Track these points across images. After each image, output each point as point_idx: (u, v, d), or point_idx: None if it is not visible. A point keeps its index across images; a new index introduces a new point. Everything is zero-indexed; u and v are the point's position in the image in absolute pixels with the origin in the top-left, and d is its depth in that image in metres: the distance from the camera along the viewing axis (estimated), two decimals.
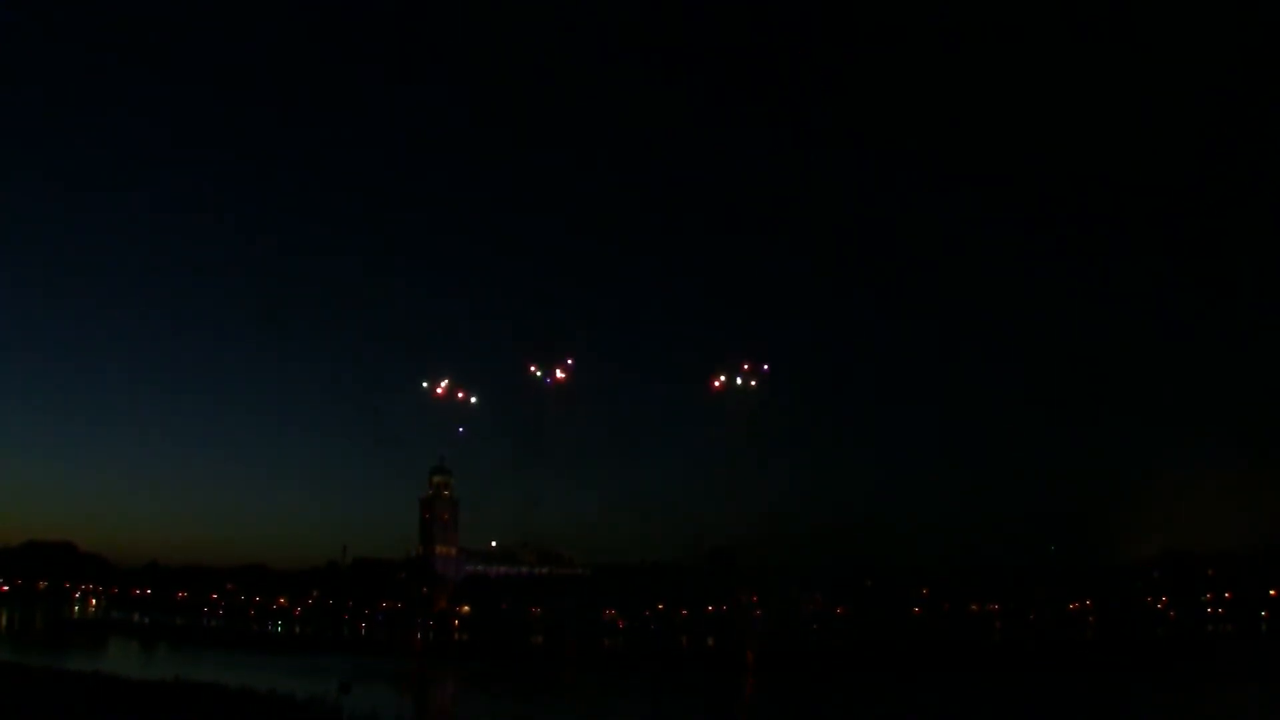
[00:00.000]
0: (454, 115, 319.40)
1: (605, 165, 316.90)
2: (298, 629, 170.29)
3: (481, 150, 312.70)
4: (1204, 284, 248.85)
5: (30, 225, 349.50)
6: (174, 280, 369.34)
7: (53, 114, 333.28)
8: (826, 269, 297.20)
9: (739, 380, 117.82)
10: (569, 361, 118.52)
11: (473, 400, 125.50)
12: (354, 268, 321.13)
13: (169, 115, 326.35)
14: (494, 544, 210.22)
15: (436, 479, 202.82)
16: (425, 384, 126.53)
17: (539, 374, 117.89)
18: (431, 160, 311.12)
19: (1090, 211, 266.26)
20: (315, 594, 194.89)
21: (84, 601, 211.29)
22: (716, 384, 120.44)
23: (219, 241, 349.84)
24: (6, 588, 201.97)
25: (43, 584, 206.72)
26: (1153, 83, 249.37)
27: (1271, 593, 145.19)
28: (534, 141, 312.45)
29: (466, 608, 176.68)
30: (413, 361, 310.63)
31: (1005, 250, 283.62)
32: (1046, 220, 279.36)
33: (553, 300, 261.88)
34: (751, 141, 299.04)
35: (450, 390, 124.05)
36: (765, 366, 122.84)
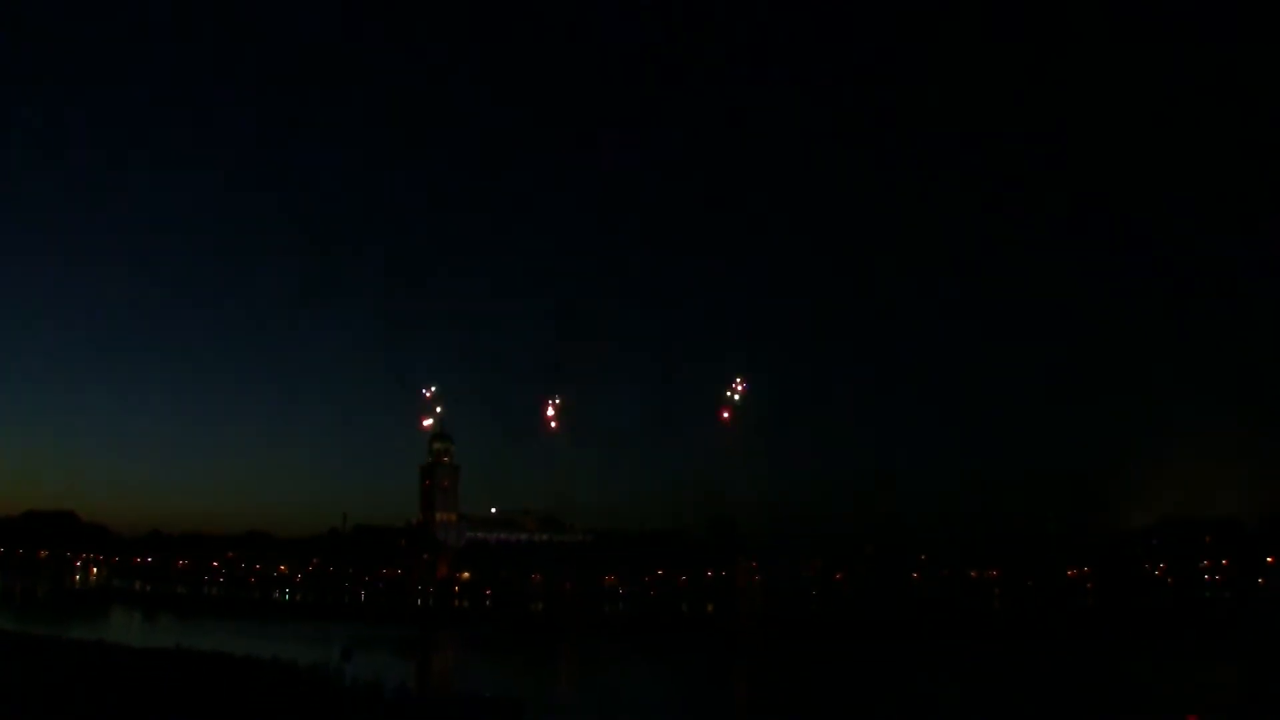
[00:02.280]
0: (482, 109, 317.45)
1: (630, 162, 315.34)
2: (299, 596, 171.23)
3: (510, 143, 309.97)
4: (1204, 253, 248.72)
5: (34, 195, 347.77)
6: (177, 253, 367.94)
7: (91, 93, 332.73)
8: (832, 239, 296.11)
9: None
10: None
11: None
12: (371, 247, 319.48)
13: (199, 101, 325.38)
14: (494, 510, 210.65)
15: (437, 446, 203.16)
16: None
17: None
18: (462, 153, 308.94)
19: (1090, 185, 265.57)
20: (316, 561, 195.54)
21: (85, 570, 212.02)
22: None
23: (216, 216, 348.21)
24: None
25: (44, 553, 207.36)
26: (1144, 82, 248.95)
27: (1269, 560, 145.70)
28: (565, 139, 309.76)
29: (467, 574, 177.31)
30: (416, 337, 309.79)
31: (1008, 221, 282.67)
32: (1048, 193, 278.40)
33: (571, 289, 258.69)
34: (762, 131, 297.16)
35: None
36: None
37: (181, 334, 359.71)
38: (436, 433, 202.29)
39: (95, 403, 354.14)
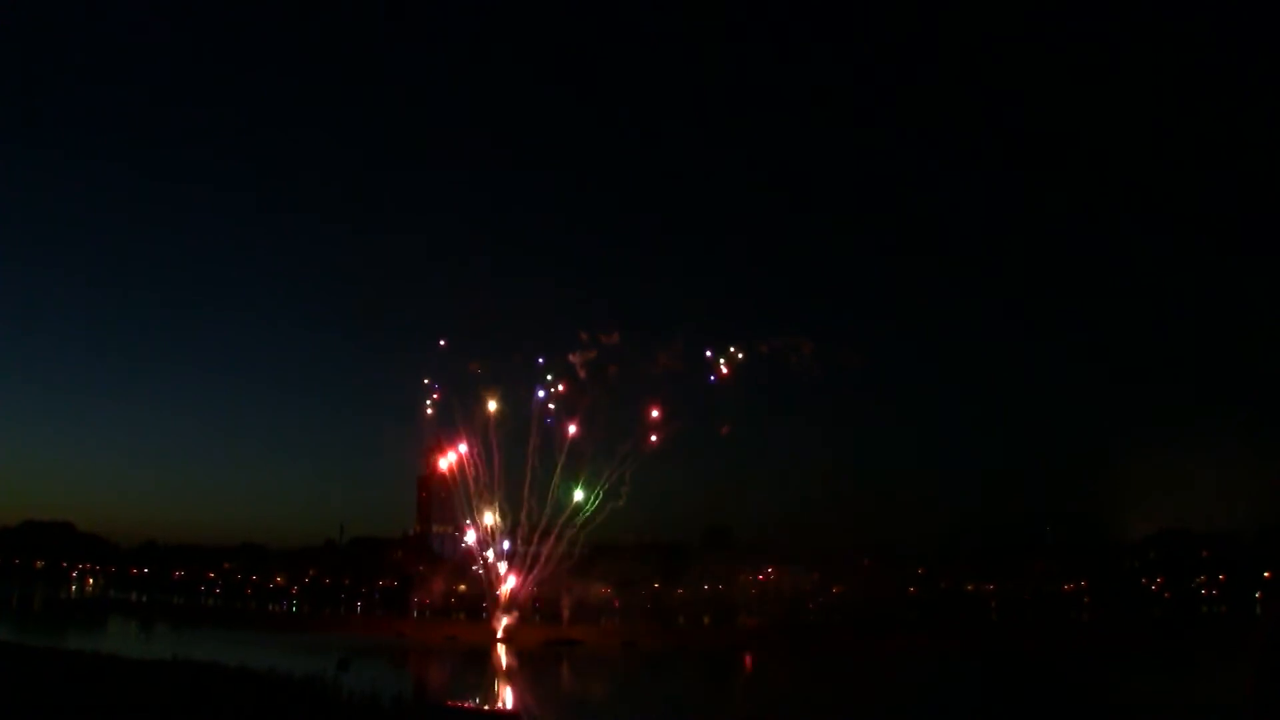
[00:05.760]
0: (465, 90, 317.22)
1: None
2: (294, 607, 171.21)
3: (515, 152, 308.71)
4: (1205, 263, 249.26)
5: (30, 201, 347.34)
6: (176, 263, 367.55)
7: (82, 92, 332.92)
8: (824, 252, 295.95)
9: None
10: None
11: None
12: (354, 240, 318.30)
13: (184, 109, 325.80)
14: (490, 522, 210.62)
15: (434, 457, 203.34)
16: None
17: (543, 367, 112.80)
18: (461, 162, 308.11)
19: (1096, 188, 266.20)
20: (313, 572, 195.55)
21: (82, 581, 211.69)
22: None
23: (214, 220, 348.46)
24: None
25: (40, 563, 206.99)
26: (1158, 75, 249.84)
27: (1265, 574, 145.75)
28: (579, 136, 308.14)
29: (464, 585, 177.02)
30: (416, 341, 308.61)
31: (1009, 225, 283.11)
32: (1052, 199, 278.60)
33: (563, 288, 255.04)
34: (774, 120, 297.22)
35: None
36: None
37: (180, 344, 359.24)
38: (434, 444, 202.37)
39: (93, 412, 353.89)
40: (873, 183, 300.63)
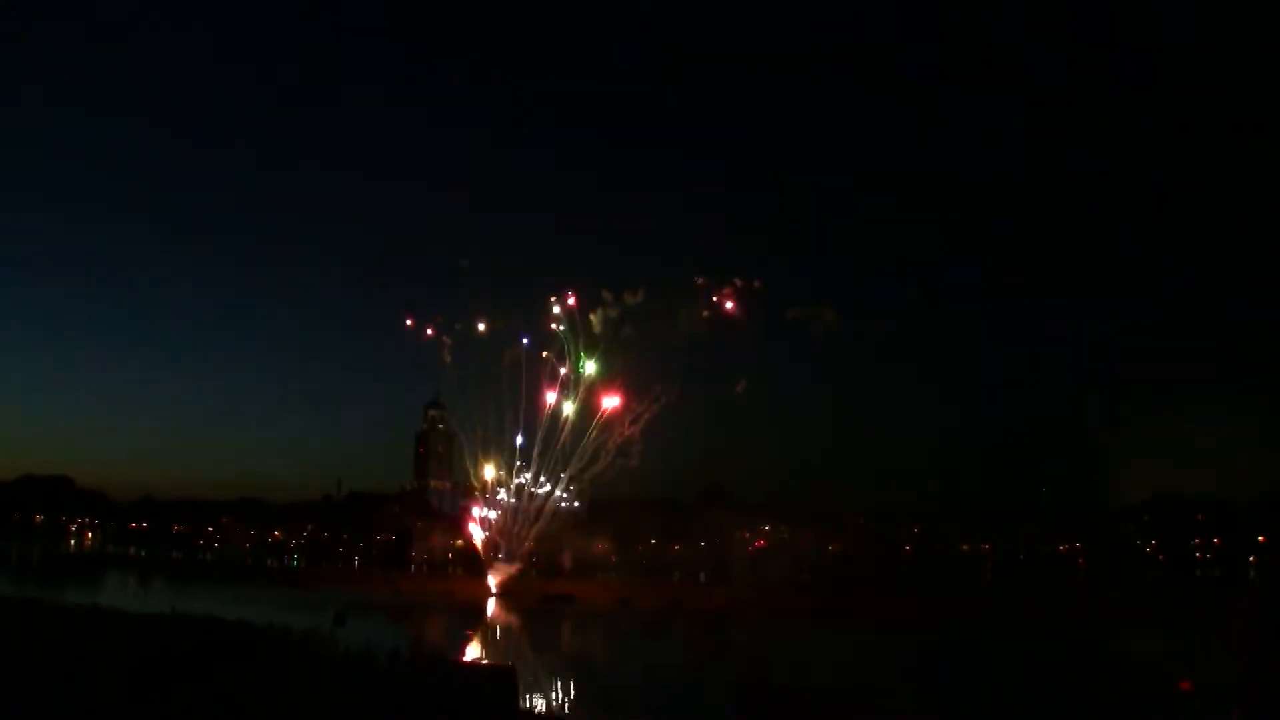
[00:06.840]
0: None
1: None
2: (294, 562, 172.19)
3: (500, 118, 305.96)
4: (1205, 229, 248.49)
5: (28, 153, 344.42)
6: (174, 218, 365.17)
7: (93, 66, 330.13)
8: (833, 211, 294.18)
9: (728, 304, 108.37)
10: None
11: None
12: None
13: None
14: (489, 479, 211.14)
15: (432, 413, 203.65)
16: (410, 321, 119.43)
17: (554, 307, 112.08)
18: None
19: (1096, 162, 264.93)
20: (311, 528, 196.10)
21: (81, 535, 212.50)
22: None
23: (215, 172, 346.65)
24: None
25: (39, 518, 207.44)
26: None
27: (1260, 539, 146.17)
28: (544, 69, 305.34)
29: (460, 541, 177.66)
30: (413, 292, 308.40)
31: (1010, 188, 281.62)
32: (1051, 166, 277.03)
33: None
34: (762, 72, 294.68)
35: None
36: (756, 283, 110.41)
37: (178, 298, 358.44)
38: (431, 401, 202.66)
39: (91, 367, 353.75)
40: (885, 149, 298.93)
